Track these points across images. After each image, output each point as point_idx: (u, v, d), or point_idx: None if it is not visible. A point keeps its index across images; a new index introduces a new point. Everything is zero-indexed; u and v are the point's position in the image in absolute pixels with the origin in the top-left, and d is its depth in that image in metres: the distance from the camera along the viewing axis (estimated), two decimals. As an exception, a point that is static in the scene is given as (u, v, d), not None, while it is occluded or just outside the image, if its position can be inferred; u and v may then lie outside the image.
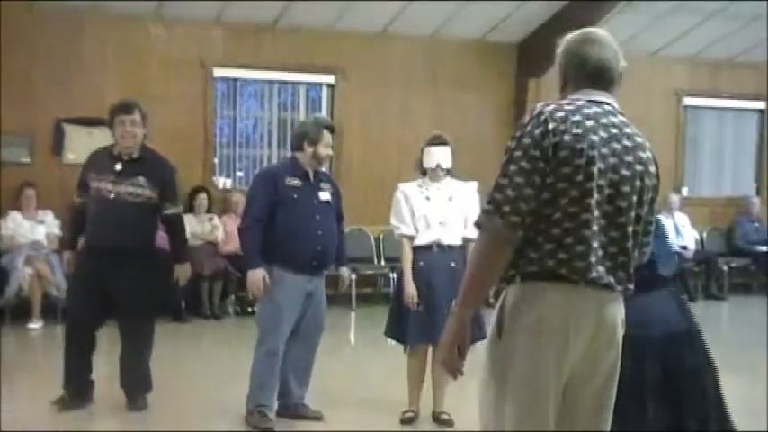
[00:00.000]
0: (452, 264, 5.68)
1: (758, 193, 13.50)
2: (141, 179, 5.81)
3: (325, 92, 11.53)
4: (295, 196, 5.71)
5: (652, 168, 3.02)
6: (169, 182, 5.98)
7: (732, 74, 13.20)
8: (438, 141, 5.90)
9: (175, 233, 6.13)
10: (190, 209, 10.38)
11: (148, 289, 6.00)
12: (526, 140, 2.87)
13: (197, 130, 10.79)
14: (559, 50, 3.11)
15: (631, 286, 3.00)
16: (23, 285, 9.19)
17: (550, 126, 2.86)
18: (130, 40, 10.45)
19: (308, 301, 5.78)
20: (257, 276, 5.61)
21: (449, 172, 5.92)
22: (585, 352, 2.91)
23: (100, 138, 5.95)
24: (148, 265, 5.93)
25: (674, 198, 12.27)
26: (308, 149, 5.79)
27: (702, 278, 12.33)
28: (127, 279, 5.77)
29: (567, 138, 2.85)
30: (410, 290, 5.73)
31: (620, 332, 3.00)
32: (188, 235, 9.97)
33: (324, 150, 5.80)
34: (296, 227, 5.67)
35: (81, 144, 9.08)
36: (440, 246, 5.77)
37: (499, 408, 2.94)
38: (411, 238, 5.83)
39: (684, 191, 12.97)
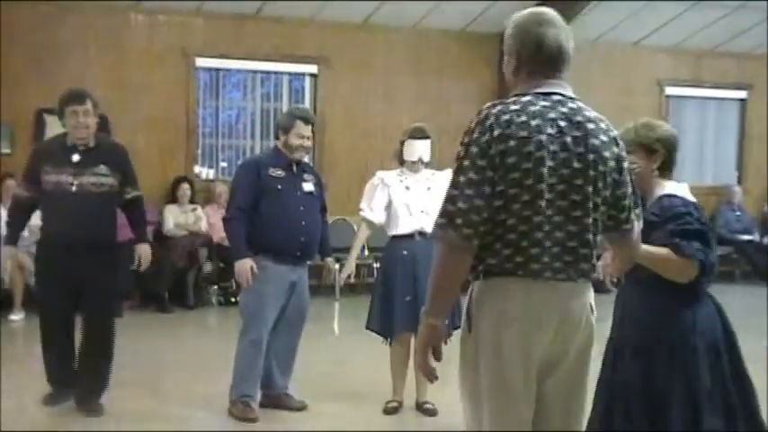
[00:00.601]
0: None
1: (740, 182, 13.57)
2: (103, 167, 5.67)
3: (308, 82, 11.50)
4: (279, 187, 5.71)
5: (607, 153, 2.95)
6: (128, 166, 5.86)
7: (714, 63, 13.24)
8: (420, 135, 5.90)
9: (139, 215, 5.99)
10: (173, 199, 10.39)
11: (115, 283, 5.92)
12: (473, 149, 2.86)
13: (179, 120, 10.76)
14: (510, 32, 3.05)
15: (596, 275, 3.01)
16: (4, 277, 9.14)
17: (496, 133, 2.85)
18: (112, 29, 10.40)
19: (291, 291, 5.79)
20: (245, 266, 5.60)
21: (427, 164, 5.94)
22: (552, 342, 2.92)
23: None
24: (115, 258, 5.84)
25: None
26: (282, 138, 5.81)
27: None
28: (96, 273, 5.64)
29: (512, 143, 2.84)
30: (351, 267, 6.05)
31: (589, 318, 2.99)
32: (171, 225, 10.15)
33: (295, 140, 5.77)
34: (280, 217, 5.67)
35: (62, 134, 9.05)
36: (422, 234, 5.78)
37: (475, 400, 2.96)
38: (371, 224, 5.99)
39: (667, 180, 12.99)
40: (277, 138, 5.91)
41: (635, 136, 3.74)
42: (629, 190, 3.05)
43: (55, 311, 5.75)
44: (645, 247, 3.38)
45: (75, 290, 5.70)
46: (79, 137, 5.67)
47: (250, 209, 5.66)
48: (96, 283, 5.66)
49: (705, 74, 13.23)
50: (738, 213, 13.00)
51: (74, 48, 10.16)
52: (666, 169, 3.78)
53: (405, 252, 5.80)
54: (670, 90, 13.10)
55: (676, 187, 3.77)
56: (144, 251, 5.92)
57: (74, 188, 5.60)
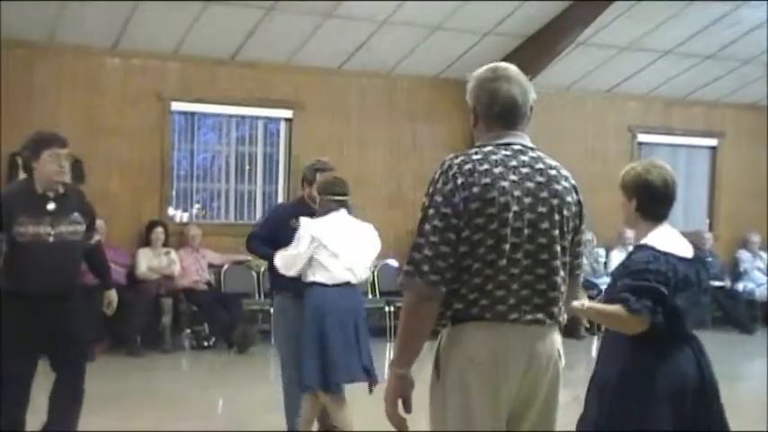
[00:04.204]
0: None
1: (711, 228, 13.70)
2: (77, 215, 5.40)
3: (283, 126, 11.55)
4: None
5: (569, 198, 3.03)
6: (93, 211, 5.67)
7: (684, 111, 13.44)
8: None
9: (104, 261, 5.88)
10: (146, 242, 10.35)
11: (86, 328, 5.78)
12: (438, 198, 2.91)
13: (154, 162, 10.73)
14: (469, 86, 3.11)
15: (564, 318, 3.04)
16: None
17: (459, 181, 2.89)
18: (86, 72, 10.40)
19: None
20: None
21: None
22: (519, 387, 2.93)
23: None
24: (84, 303, 5.62)
25: (629, 233, 12.38)
26: (306, 190, 6.13)
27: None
28: (68, 320, 5.39)
29: (475, 189, 2.88)
30: None
31: (557, 363, 3.02)
32: (144, 268, 10.11)
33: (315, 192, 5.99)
34: None
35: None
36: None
37: None
38: None
39: (638, 226, 13.06)
40: (303, 187, 6.20)
41: (620, 179, 3.78)
42: (583, 237, 3.12)
43: (19, 375, 5.32)
44: (591, 304, 3.39)
45: (43, 341, 5.37)
46: (59, 181, 5.34)
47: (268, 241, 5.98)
48: (68, 330, 5.39)
49: (675, 121, 13.40)
50: (710, 259, 13.08)
51: (47, 91, 10.14)
52: (651, 212, 3.73)
53: None
54: (642, 137, 13.25)
55: (659, 234, 3.70)
56: (114, 297, 5.83)
57: (51, 239, 5.27)
